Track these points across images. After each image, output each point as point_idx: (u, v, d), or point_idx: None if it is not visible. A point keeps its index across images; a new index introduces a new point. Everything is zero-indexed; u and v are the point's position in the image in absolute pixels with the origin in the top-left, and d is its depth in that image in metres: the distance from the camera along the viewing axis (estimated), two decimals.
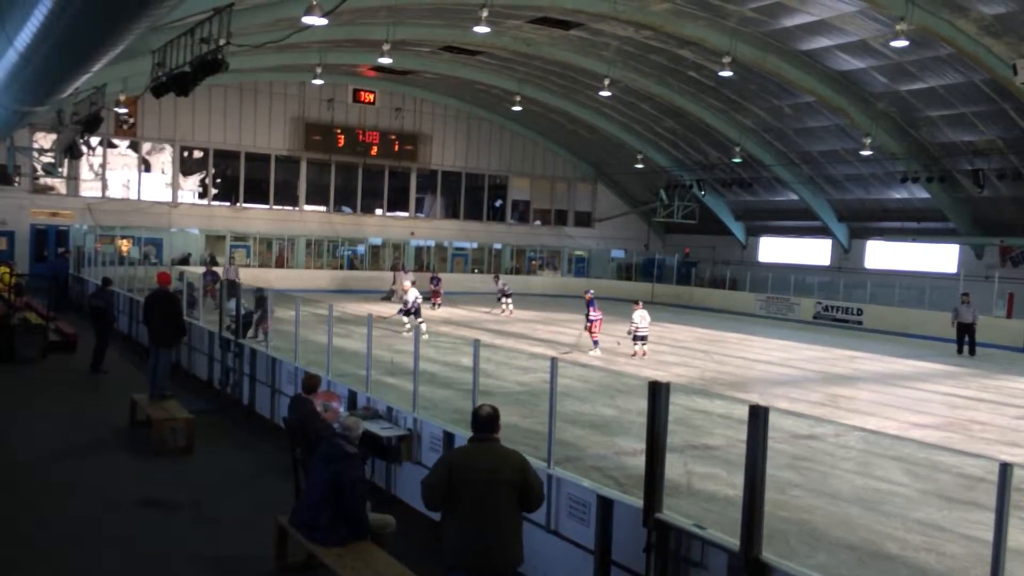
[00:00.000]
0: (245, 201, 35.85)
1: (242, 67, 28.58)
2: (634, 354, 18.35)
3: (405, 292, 21.30)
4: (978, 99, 24.95)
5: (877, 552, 7.38)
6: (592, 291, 20.21)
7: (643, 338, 18.40)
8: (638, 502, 5.67)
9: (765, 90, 29.21)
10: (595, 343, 18.76)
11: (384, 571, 5.80)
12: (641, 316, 18.41)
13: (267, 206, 36.29)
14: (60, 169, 25.44)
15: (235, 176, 35.83)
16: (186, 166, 35.15)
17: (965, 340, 23.44)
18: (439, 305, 28.16)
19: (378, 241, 38.69)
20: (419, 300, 20.39)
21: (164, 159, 34.68)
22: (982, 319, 26.91)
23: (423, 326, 17.02)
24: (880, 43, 23.46)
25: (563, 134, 40.18)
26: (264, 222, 35.97)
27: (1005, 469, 3.84)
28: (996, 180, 27.40)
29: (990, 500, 3.94)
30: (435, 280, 29.44)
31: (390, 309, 27.23)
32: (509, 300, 27.91)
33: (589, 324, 18.88)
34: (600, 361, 17.81)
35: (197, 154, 35.16)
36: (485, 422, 5.06)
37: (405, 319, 19.81)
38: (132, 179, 34.18)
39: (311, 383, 8.29)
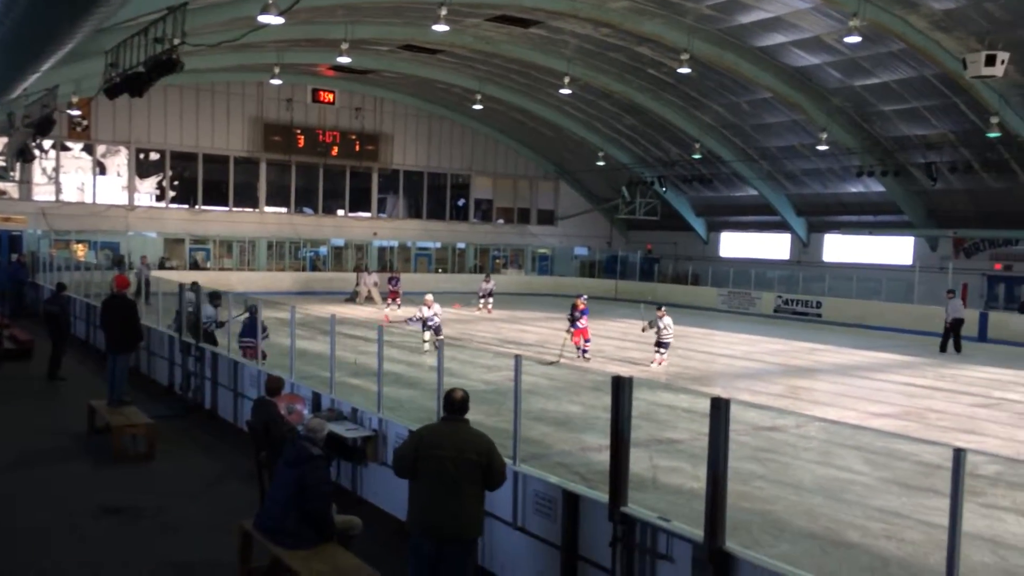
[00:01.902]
0: (204, 203, 35.36)
1: (198, 67, 28.19)
2: (652, 362, 17.43)
3: (381, 301, 20.63)
4: (930, 93, 25.45)
5: (839, 540, 7.51)
6: (585, 296, 19.07)
7: (666, 345, 17.49)
8: (604, 497, 5.71)
9: (723, 87, 29.52)
10: (583, 351, 17.99)
11: (351, 573, 5.77)
12: (666, 324, 17.48)
13: (227, 208, 35.84)
14: (12, 173, 24.93)
15: (193, 178, 35.33)
16: (142, 168, 34.58)
17: (951, 337, 22.63)
18: (399, 305, 28.06)
19: (340, 242, 38.44)
20: (439, 317, 18.34)
21: (119, 161, 34.09)
22: (936, 310, 27.47)
23: (438, 342, 15.92)
24: (834, 39, 23.82)
25: (525, 132, 40.24)
26: (224, 224, 35.54)
27: (959, 455, 3.92)
28: (948, 173, 27.98)
29: (947, 486, 4.02)
30: (394, 280, 29.31)
31: (353, 310, 27.10)
32: (490, 299, 28.59)
33: (574, 330, 18.00)
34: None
35: (153, 156, 34.60)
36: (457, 404, 5.53)
37: (426, 336, 17.91)
38: (87, 182, 33.56)
39: (274, 385, 8.22)
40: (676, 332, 18.23)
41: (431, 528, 5.34)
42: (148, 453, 10.05)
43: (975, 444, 11.33)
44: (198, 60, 24.96)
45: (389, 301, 28.38)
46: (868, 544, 7.42)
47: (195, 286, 14.07)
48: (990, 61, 19.72)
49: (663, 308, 17.87)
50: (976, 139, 25.89)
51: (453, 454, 5.31)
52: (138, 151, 34.04)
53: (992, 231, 28.96)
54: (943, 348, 22.56)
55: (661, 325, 17.45)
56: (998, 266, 29.38)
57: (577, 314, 17.93)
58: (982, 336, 25.40)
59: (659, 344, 17.48)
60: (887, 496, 8.94)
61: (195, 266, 34.23)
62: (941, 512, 4.09)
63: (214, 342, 13.31)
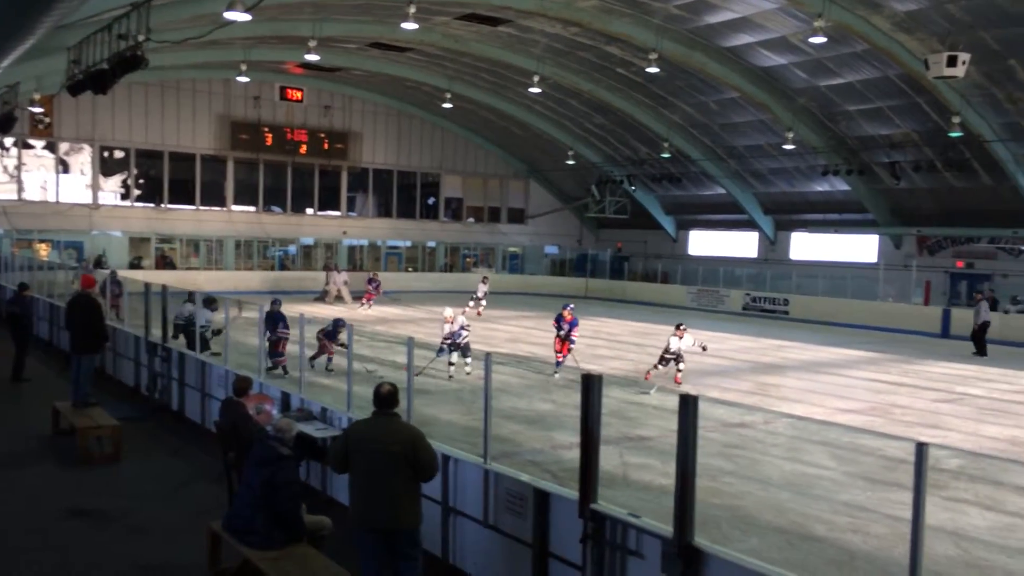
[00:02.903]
0: (170, 202, 34.94)
1: (163, 64, 27.86)
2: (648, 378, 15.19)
3: (351, 300, 19.64)
4: (893, 93, 25.84)
5: (806, 534, 7.61)
6: (572, 306, 16.55)
7: (676, 359, 15.23)
8: (574, 494, 5.73)
9: (691, 86, 29.73)
10: (559, 364, 15.88)
11: (320, 573, 5.75)
12: (683, 344, 15.25)
13: (193, 207, 35.43)
14: None
15: (159, 176, 34.88)
16: (107, 167, 34.08)
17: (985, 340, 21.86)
18: (370, 306, 28.04)
19: (310, 241, 38.17)
20: (467, 331, 15.18)
21: (83, 160, 33.57)
22: (900, 306, 27.97)
23: (467, 367, 14.94)
24: (799, 40, 24.10)
25: (494, 131, 40.24)
26: (191, 223, 35.14)
27: (921, 448, 4.00)
28: (912, 172, 28.42)
29: (911, 480, 4.09)
30: (373, 282, 29.24)
31: (323, 309, 26.92)
32: (483, 301, 27.59)
33: (562, 342, 15.87)
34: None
35: (118, 154, 34.12)
36: (385, 399, 5.63)
37: (453, 358, 14.90)
38: (50, 180, 33.01)
39: (242, 385, 8.15)
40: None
41: (367, 520, 5.51)
42: (114, 455, 9.92)
43: (938, 439, 11.53)
44: (163, 57, 24.63)
45: (364, 301, 28.37)
46: (835, 538, 7.53)
47: (192, 296, 14.07)
48: (951, 62, 20.05)
49: (682, 326, 15.56)
50: (938, 139, 26.33)
51: (379, 447, 5.46)
52: (102, 149, 33.55)
53: (954, 229, 29.47)
54: (981, 352, 21.70)
55: (685, 346, 15.19)
56: (960, 264, 29.90)
57: (566, 326, 15.82)
58: (945, 332, 25.85)
59: (677, 360, 15.21)
60: (853, 490, 9.08)
61: (167, 265, 33.87)
62: (906, 506, 4.17)
63: (206, 347, 13.31)
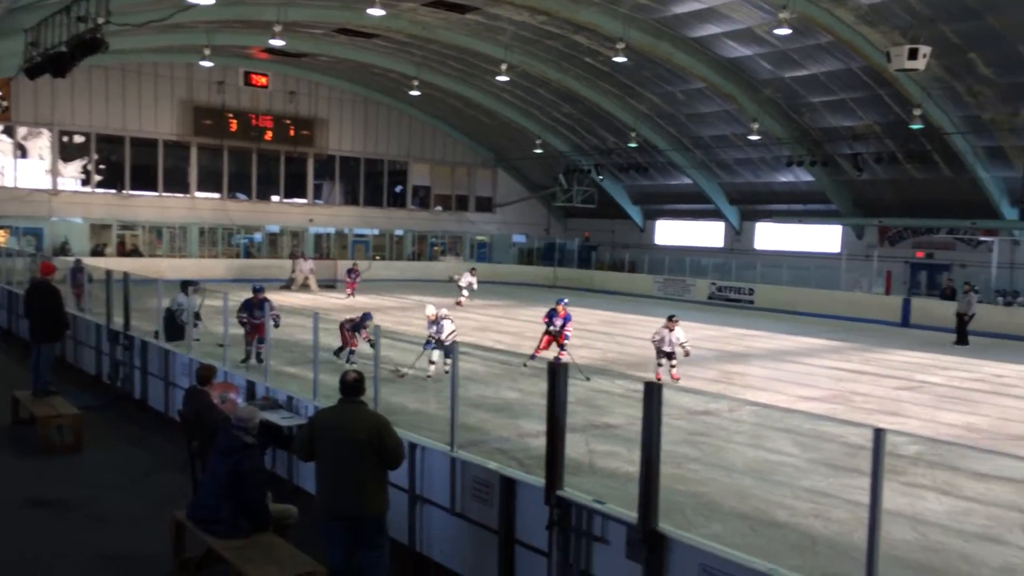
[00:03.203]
0: (132, 188, 34.35)
1: (124, 48, 27.32)
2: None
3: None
4: (856, 86, 26.17)
5: (769, 520, 7.72)
6: (566, 301, 15.79)
7: (669, 355, 14.69)
8: (540, 481, 5.77)
9: (658, 76, 29.85)
10: (533, 357, 15.07)
11: (286, 562, 5.72)
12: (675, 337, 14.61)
13: (156, 193, 34.88)
14: None
15: (120, 162, 34.24)
16: (66, 152, 33.40)
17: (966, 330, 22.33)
18: (352, 296, 27.97)
19: (275, 229, 37.80)
20: (450, 325, 14.01)
21: (42, 144, 32.87)
22: (862, 295, 28.41)
23: (446, 366, 13.24)
24: (765, 31, 24.29)
25: (462, 119, 40.10)
26: (153, 210, 34.62)
27: (879, 434, 4.08)
28: (874, 163, 28.83)
29: (870, 466, 4.17)
30: (352, 273, 29.24)
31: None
32: (465, 292, 27.26)
33: (555, 336, 15.13)
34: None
35: (78, 139, 33.46)
36: (350, 387, 5.68)
37: (434, 356, 13.83)
38: (7, 165, 32.27)
39: (205, 374, 8.07)
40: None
41: (333, 508, 5.55)
42: (76, 444, 9.78)
43: (898, 425, 11.75)
44: (124, 40, 24.21)
45: (348, 292, 28.43)
46: (796, 523, 7.65)
47: (186, 286, 13.36)
48: (912, 55, 20.33)
49: (674, 318, 14.79)
50: (900, 131, 26.73)
51: (344, 434, 5.50)
52: (62, 134, 32.88)
53: (915, 220, 29.96)
54: (963, 341, 22.15)
55: (674, 338, 14.59)
56: (920, 254, 30.42)
57: (559, 322, 15.06)
58: (905, 321, 26.32)
59: (668, 355, 14.65)
60: (815, 476, 9.22)
61: (129, 252, 33.37)
62: (865, 491, 4.25)
63: (181, 336, 12.89)
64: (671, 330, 14.56)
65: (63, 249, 29.97)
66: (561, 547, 5.58)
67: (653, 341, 14.70)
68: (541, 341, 15.34)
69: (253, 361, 13.38)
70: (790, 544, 7.13)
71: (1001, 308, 25.25)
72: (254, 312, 13.80)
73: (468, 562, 6.45)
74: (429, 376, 13.53)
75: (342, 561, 5.57)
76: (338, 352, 13.78)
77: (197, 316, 13.86)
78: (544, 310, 16.06)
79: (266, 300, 13.61)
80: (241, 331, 13.87)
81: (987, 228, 27.69)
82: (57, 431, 9.85)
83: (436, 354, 13.80)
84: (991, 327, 24.12)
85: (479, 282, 28.62)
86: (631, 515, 5.16)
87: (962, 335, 22.41)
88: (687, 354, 14.79)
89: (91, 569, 6.61)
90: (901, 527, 7.56)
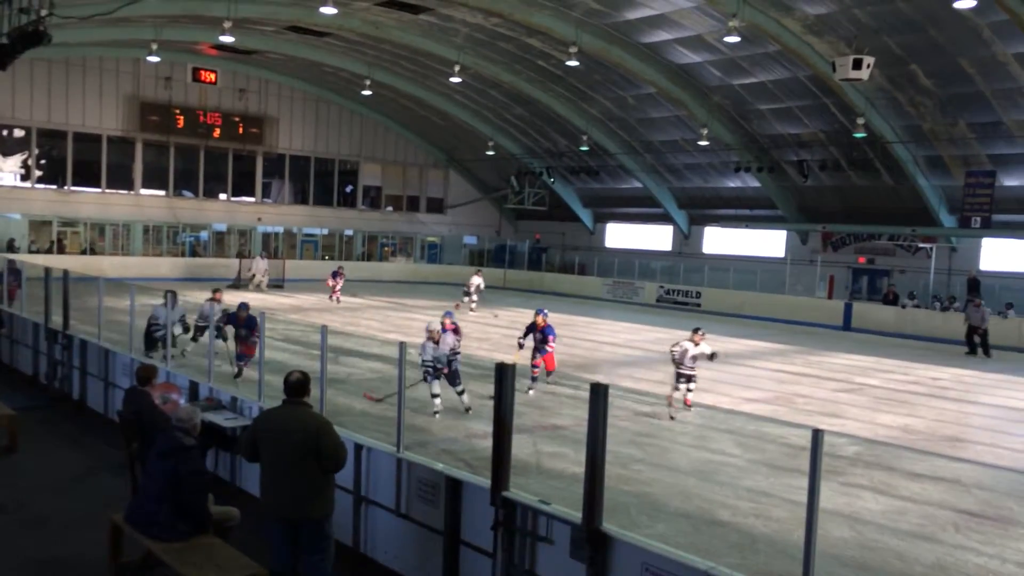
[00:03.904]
0: (74, 184, 33.53)
1: (68, 40, 26.68)
2: (672, 405, 12.22)
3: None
4: (802, 94, 26.71)
5: (711, 519, 7.85)
6: (546, 311, 14.01)
7: (689, 377, 12.33)
8: (486, 482, 5.78)
9: (610, 80, 30.11)
10: (534, 379, 13.39)
11: (227, 564, 5.64)
12: (699, 352, 12.43)
13: (99, 190, 34.08)
14: None
15: (62, 157, 33.41)
16: (5, 146, 32.45)
17: (976, 342, 22.30)
18: (339, 300, 26.58)
19: (223, 227, 37.19)
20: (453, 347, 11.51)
21: None
22: (805, 299, 28.98)
23: (464, 398, 11.60)
24: (714, 38, 24.67)
25: (414, 120, 39.95)
26: (96, 206, 33.78)
27: (817, 435, 4.17)
28: (819, 171, 29.45)
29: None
30: (337, 275, 27.20)
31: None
32: (475, 297, 25.77)
33: (542, 356, 13.49)
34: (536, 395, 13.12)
35: (18, 133, 32.52)
36: (293, 387, 5.58)
37: (435, 389, 11.35)
38: None
39: (145, 374, 7.91)
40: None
41: (274, 509, 5.52)
42: (10, 446, 9.51)
43: (837, 427, 12.03)
44: (68, 33, 23.61)
45: (333, 297, 26.68)
46: (738, 522, 7.78)
47: (169, 295, 12.83)
48: (857, 65, 20.83)
49: (700, 331, 12.73)
50: (844, 139, 27.35)
51: (284, 436, 5.45)
52: (1, 127, 31.94)
53: (857, 226, 30.69)
54: (976, 352, 22.17)
55: (699, 351, 12.45)
56: (862, 259, 31.15)
57: (539, 335, 13.47)
58: (847, 325, 26.92)
59: (688, 378, 12.37)
60: (756, 477, 9.39)
61: (83, 251, 32.60)
62: (805, 491, 4.35)
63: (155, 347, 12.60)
64: (696, 344, 12.40)
65: (9, 247, 29.08)
66: (506, 547, 5.60)
67: (673, 357, 12.44)
68: (541, 362, 13.48)
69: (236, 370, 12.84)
70: (731, 543, 7.25)
71: (938, 313, 25.98)
72: (239, 331, 13.00)
73: (413, 563, 6.43)
74: (437, 413, 11.19)
75: (284, 563, 5.51)
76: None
77: (185, 327, 13.48)
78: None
79: (253, 318, 12.64)
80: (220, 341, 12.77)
81: (926, 235, 28.48)
82: None
83: (437, 386, 11.23)
84: (928, 331, 24.82)
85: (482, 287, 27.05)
86: (576, 515, 5.20)
87: (984, 347, 22.19)
88: (711, 357, 12.50)
89: (26, 573, 6.43)
90: (839, 526, 7.74)
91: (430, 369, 11.26)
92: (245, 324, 12.93)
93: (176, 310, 13.06)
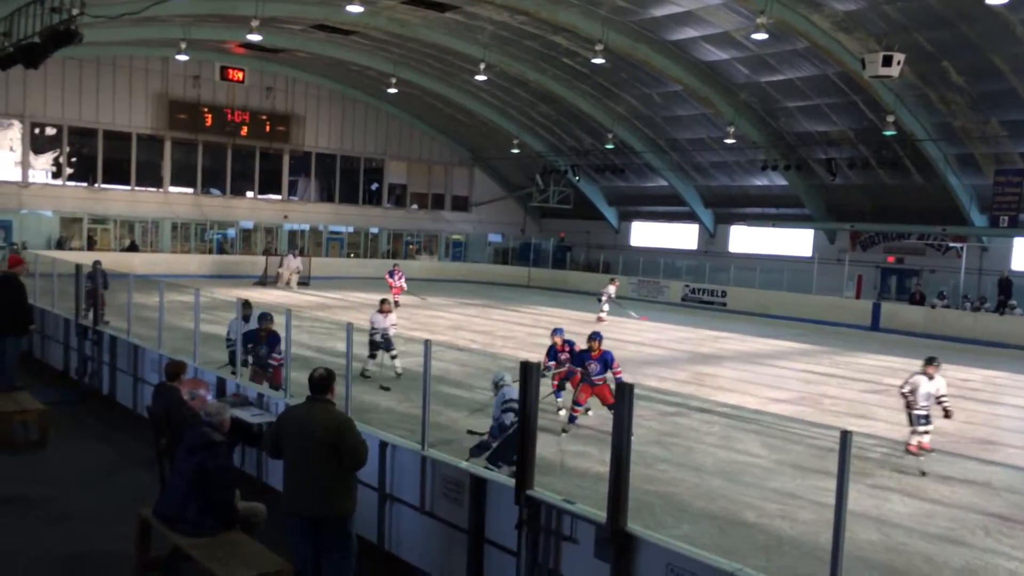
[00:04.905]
0: (104, 182, 33.96)
1: (99, 40, 27.03)
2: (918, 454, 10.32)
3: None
4: (831, 91, 26.43)
5: (737, 520, 7.79)
6: (562, 331, 12.47)
7: (925, 417, 10.43)
8: (510, 481, 5.77)
9: (636, 78, 29.98)
10: (573, 418, 11.10)
11: (253, 560, 5.67)
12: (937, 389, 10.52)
13: (129, 187, 34.50)
14: None
15: (93, 155, 33.84)
16: (37, 144, 32.94)
17: None
18: (397, 303, 22.57)
19: (249, 225, 37.51)
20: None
21: (12, 136, 32.38)
22: (833, 299, 28.64)
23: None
24: (742, 35, 24.48)
25: (440, 118, 40.02)
26: (126, 204, 34.22)
27: (845, 436, 4.12)
28: (847, 169, 29.13)
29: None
30: (396, 274, 24.95)
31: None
32: (605, 307, 24.52)
33: (592, 386, 11.04)
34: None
35: (50, 131, 33.00)
36: (316, 384, 5.59)
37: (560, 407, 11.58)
38: None
39: (174, 370, 7.98)
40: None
41: (295, 506, 5.51)
42: (40, 440, 9.64)
43: (865, 428, 11.90)
44: (98, 32, 23.93)
45: (394, 298, 22.90)
46: (764, 524, 7.72)
47: (241, 305, 11.20)
48: (887, 62, 20.57)
49: (934, 365, 10.70)
50: (873, 137, 27.04)
51: (306, 432, 5.46)
52: (33, 125, 32.41)
53: (886, 225, 30.33)
54: None
55: (933, 390, 10.51)
56: (891, 259, 30.79)
57: (595, 364, 10.97)
58: (875, 325, 26.62)
59: (923, 417, 10.44)
60: (782, 478, 9.31)
61: (128, 247, 33.19)
62: (832, 492, 4.30)
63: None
64: (930, 378, 10.52)
65: (59, 245, 29.53)
66: (530, 547, 5.58)
67: (903, 393, 10.62)
68: (577, 389, 11.20)
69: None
70: (757, 545, 7.20)
71: (969, 313, 25.61)
72: (259, 349, 10.83)
73: (437, 561, 6.44)
74: (566, 432, 10.56)
75: (304, 560, 5.52)
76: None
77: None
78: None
79: (276, 333, 10.66)
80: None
81: (956, 234, 28.10)
82: (21, 427, 9.71)
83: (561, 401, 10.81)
84: (959, 332, 24.48)
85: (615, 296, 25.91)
86: (600, 515, 5.18)
87: None
88: (947, 414, 10.48)
89: (54, 568, 6.52)
90: (866, 528, 7.66)
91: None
92: (267, 341, 10.90)
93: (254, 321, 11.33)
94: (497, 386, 8.48)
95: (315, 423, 5.46)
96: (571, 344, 12.09)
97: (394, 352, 13.67)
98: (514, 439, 6.30)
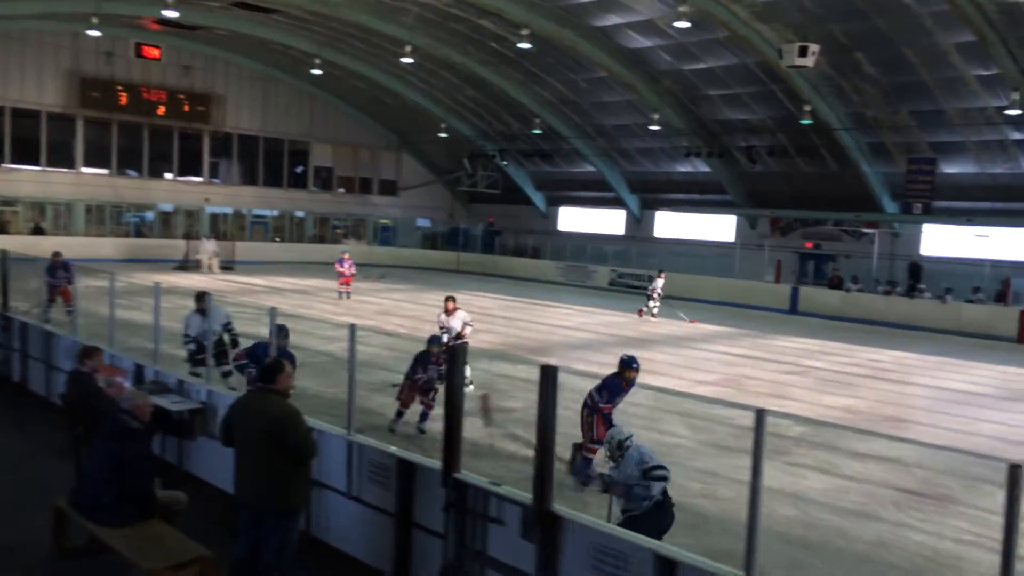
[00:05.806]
0: (12, 162, 32.50)
1: (5, 13, 25.82)
2: None
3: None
4: (751, 80, 27.03)
5: None
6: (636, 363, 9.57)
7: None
8: (438, 464, 5.78)
9: (562, 64, 30.10)
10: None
11: (173, 548, 5.56)
12: None
13: (39, 167, 33.10)
14: None
15: None
16: None
17: None
18: (348, 295, 23.31)
19: (169, 208, 36.43)
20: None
21: None
22: (754, 284, 29.35)
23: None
24: (665, 23, 24.81)
25: (366, 100, 39.49)
26: (35, 185, 32.85)
27: (760, 414, 4.25)
28: (767, 156, 29.88)
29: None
30: (346, 262, 23.50)
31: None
32: (656, 304, 23.59)
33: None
34: None
35: None
36: (261, 372, 5.63)
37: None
38: None
39: (86, 352, 7.73)
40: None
41: (242, 496, 5.49)
42: None
43: (783, 408, 12.26)
44: (4, 6, 22.83)
45: (340, 290, 23.31)
46: (688, 503, 7.89)
47: (206, 298, 10.50)
48: (803, 52, 21.15)
49: None
50: (791, 125, 27.78)
51: (251, 423, 5.39)
52: None
53: (803, 212, 31.23)
54: None
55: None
56: (809, 244, 31.72)
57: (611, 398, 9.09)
58: (793, 309, 27.43)
59: None
60: (705, 457, 9.54)
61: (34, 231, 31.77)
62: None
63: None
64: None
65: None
66: (457, 529, 5.61)
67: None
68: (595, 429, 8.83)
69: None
70: (681, 523, 7.34)
71: (881, 297, 26.61)
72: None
73: (364, 545, 6.41)
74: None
75: (243, 548, 5.45)
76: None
77: (233, 337, 10.93)
78: (445, 294, 15.01)
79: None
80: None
81: (869, 221, 29.11)
82: None
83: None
84: (872, 315, 25.43)
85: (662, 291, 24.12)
86: (526, 496, 5.23)
87: None
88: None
89: None
90: (784, 504, 7.91)
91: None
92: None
93: (217, 315, 10.61)
94: (623, 446, 6.67)
95: (260, 414, 5.35)
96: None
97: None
98: (658, 515, 5.96)
